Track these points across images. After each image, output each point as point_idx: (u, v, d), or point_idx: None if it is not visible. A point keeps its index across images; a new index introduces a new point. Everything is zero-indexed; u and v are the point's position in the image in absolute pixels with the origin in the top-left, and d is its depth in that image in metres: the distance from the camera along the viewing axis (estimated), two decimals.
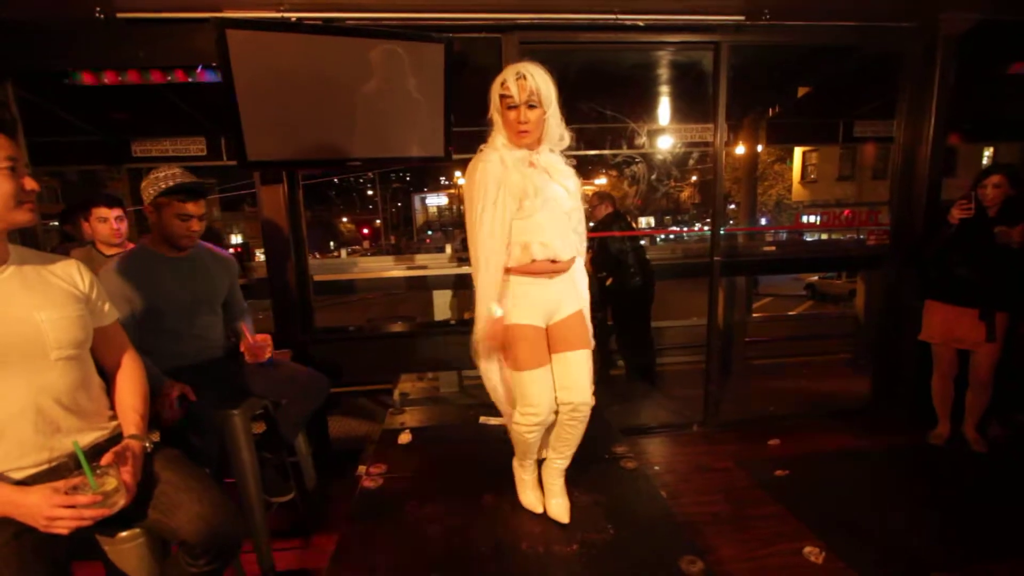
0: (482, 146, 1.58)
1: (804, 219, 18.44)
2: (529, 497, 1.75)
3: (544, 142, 1.56)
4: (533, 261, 1.52)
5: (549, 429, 1.66)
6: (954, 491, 2.41)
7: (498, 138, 1.55)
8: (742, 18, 2.66)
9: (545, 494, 1.74)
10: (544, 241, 1.52)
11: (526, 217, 1.52)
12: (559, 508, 1.69)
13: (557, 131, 1.56)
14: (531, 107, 1.46)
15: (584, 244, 1.68)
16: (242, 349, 1.94)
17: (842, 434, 3.09)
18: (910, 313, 2.91)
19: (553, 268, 1.55)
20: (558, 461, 1.71)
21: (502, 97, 1.48)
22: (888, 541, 2.07)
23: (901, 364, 3.16)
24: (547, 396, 1.56)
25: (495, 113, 1.53)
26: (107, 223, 2.38)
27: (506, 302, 1.57)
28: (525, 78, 1.44)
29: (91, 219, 2.39)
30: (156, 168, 1.76)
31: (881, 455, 2.82)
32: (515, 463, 1.79)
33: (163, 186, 1.70)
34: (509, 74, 1.46)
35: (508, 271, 1.56)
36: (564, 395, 1.58)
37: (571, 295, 1.63)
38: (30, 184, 1.08)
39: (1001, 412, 2.82)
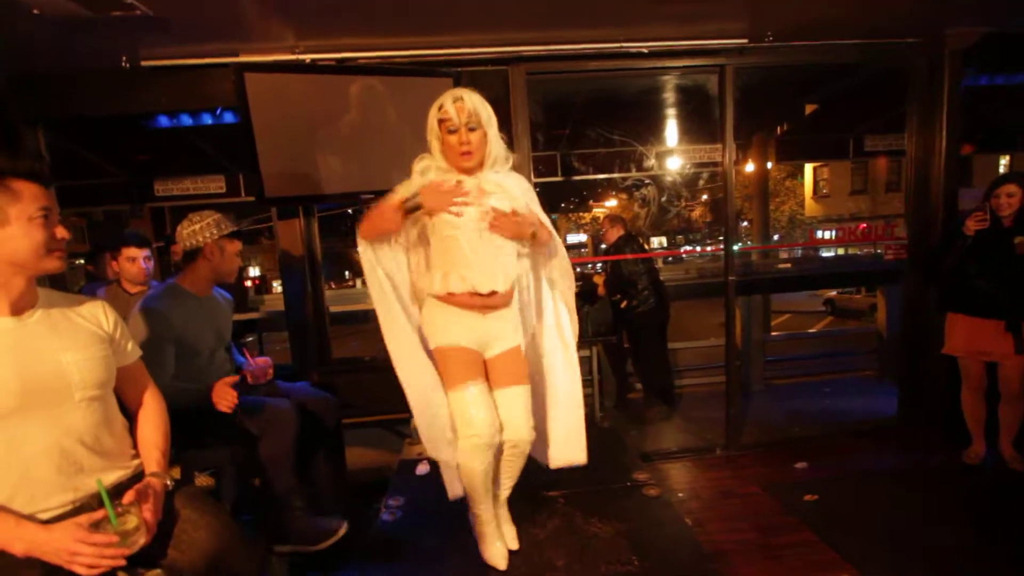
0: (424, 154, 1.58)
1: (818, 234, 18.27)
2: (491, 551, 1.60)
3: (486, 165, 1.54)
4: (451, 294, 1.49)
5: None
6: (994, 513, 2.31)
7: (435, 161, 1.55)
8: (745, 41, 2.70)
9: None
10: (464, 274, 1.48)
11: (443, 244, 1.49)
12: (508, 538, 1.66)
13: (499, 151, 1.55)
14: (471, 129, 1.46)
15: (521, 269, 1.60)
16: (245, 372, 1.97)
17: (872, 455, 2.99)
18: (934, 328, 2.84)
19: (483, 303, 1.50)
20: (501, 492, 1.66)
21: (441, 122, 1.48)
22: (927, 568, 1.98)
23: (928, 380, 3.07)
24: (487, 415, 1.48)
25: (433, 140, 1.53)
26: (136, 263, 2.45)
27: (434, 326, 1.54)
28: (463, 100, 1.46)
29: (120, 258, 2.46)
30: (199, 213, 1.89)
31: (914, 476, 2.71)
32: (472, 512, 1.62)
33: (225, 228, 1.88)
34: (446, 99, 1.47)
35: (436, 298, 1.53)
36: (504, 433, 1.54)
37: (508, 331, 1.58)
38: (61, 233, 1.12)
39: None
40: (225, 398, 1.73)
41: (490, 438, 1.47)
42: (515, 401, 1.55)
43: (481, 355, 1.57)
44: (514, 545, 1.66)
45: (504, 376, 1.57)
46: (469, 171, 1.52)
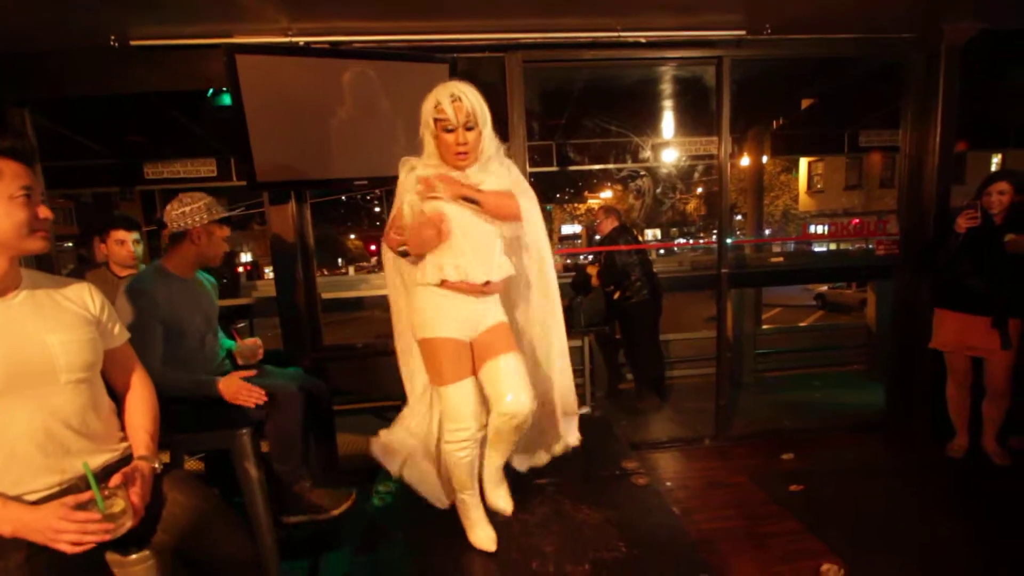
0: (407, 158, 1.56)
1: (811, 229, 18.36)
2: (480, 535, 1.61)
3: (480, 162, 1.52)
4: (443, 282, 1.48)
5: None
6: (976, 506, 2.35)
7: (424, 158, 1.53)
8: (743, 33, 2.69)
9: (485, 490, 1.66)
10: (458, 263, 1.47)
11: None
12: (502, 500, 1.66)
13: (492, 149, 1.53)
14: (469, 129, 1.43)
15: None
16: (235, 353, 1.97)
17: (858, 447, 3.03)
18: (923, 323, 2.87)
19: (481, 290, 1.50)
20: (498, 460, 1.64)
21: (437, 120, 1.44)
22: (908, 558, 2.02)
23: (916, 375, 3.11)
24: (473, 409, 1.50)
25: (426, 134, 1.49)
26: (125, 245, 2.42)
27: (425, 316, 1.53)
28: (461, 100, 1.41)
29: (109, 241, 2.43)
30: (190, 195, 1.85)
31: (899, 468, 2.76)
32: (457, 498, 1.64)
33: (215, 213, 1.86)
34: (443, 96, 1.41)
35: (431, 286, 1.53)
36: (501, 407, 1.48)
37: (494, 310, 1.60)
38: (44, 212, 1.10)
39: (1020, 422, 2.76)
40: (243, 392, 1.75)
41: (476, 432, 1.51)
42: (510, 370, 1.51)
43: (469, 346, 1.57)
44: (508, 507, 1.66)
45: (496, 346, 1.54)
46: (462, 169, 1.51)
